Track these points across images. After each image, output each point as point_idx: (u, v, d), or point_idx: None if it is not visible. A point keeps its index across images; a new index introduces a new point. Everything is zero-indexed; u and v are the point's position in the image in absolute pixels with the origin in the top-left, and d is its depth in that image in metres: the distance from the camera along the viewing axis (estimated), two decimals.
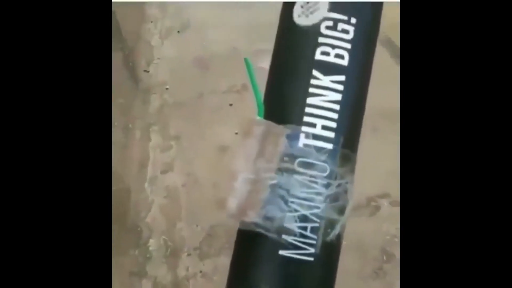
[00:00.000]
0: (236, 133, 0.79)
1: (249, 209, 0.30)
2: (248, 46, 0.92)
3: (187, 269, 0.73)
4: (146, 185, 0.84)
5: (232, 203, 0.30)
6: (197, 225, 0.76)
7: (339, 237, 0.31)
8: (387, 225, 0.73)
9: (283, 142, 0.30)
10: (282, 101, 0.32)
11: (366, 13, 0.32)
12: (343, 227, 0.31)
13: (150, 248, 0.75)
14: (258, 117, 0.31)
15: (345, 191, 0.31)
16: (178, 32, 1.22)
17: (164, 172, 0.86)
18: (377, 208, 0.76)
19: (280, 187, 0.30)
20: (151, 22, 1.22)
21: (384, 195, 0.76)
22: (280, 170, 0.30)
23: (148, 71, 1.10)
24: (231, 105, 1.02)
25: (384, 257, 0.72)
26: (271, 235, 0.30)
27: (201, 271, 0.73)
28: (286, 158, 0.31)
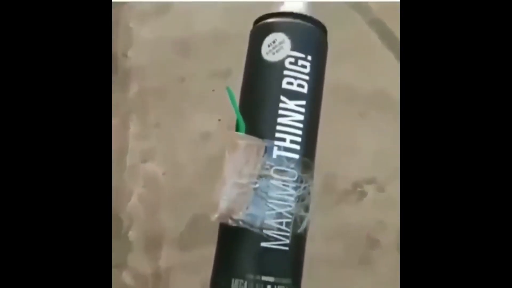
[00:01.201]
0: (219, 120, 0.78)
1: (237, 209, 0.37)
2: (232, 29, 0.91)
3: (168, 260, 0.73)
4: (125, 174, 0.83)
5: (223, 205, 0.36)
6: (178, 215, 0.75)
7: (306, 229, 0.39)
8: (372, 211, 0.73)
9: (263, 153, 0.38)
10: (257, 121, 0.40)
11: (318, 52, 0.41)
12: (309, 221, 0.39)
13: (130, 239, 0.75)
14: (241, 133, 0.38)
15: (309, 192, 0.39)
16: (159, 14, 1.19)
17: (144, 161, 0.85)
18: (363, 194, 0.75)
19: (261, 190, 0.37)
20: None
21: (370, 180, 0.76)
22: (260, 176, 0.38)
23: (126, 56, 1.08)
24: (213, 90, 1.00)
25: (369, 244, 0.72)
26: (254, 230, 0.37)
27: (182, 262, 0.72)
28: (266, 166, 0.38)
